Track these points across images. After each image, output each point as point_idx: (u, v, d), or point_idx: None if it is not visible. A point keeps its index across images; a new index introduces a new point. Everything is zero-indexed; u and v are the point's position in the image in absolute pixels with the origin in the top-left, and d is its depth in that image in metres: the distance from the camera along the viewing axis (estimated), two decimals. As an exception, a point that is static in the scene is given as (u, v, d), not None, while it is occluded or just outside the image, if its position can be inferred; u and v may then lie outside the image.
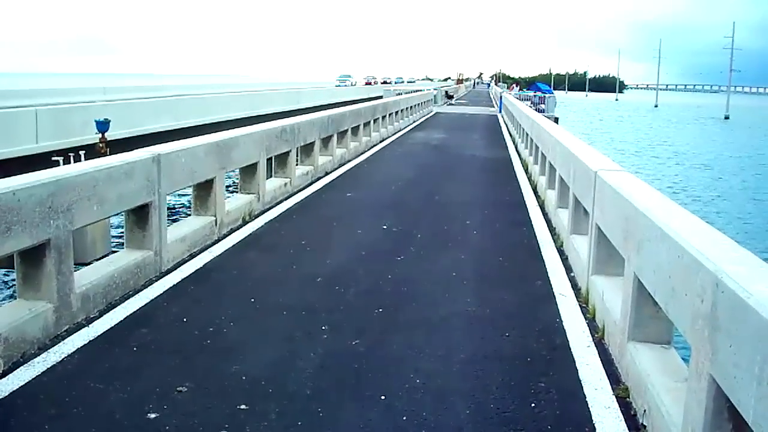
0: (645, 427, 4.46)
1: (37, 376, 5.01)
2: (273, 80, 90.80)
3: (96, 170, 6.44)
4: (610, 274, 6.54)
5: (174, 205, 22.08)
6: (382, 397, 4.80)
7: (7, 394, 4.71)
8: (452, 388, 5.01)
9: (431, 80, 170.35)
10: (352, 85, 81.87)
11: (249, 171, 10.85)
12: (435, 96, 54.17)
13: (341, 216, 11.25)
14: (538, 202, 12.68)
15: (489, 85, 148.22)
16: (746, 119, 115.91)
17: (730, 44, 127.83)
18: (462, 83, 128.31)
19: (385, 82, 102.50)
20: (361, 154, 19.72)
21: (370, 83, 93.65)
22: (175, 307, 6.52)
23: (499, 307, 6.85)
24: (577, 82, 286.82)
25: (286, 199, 12.17)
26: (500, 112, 43.67)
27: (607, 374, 5.28)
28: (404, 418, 4.53)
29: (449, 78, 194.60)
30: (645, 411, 4.52)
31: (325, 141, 16.12)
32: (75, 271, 6.09)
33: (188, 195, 11.49)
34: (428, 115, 41.25)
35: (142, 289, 6.94)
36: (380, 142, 23.54)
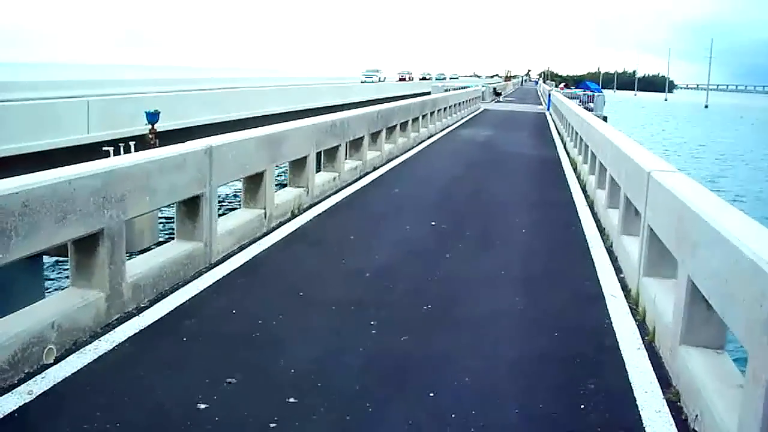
0: (697, 432, 4.39)
1: (88, 363, 5.07)
2: (302, 75, 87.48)
3: (149, 161, 6.51)
4: (661, 276, 6.44)
5: (223, 197, 22.29)
6: (431, 395, 4.78)
7: (59, 381, 4.78)
8: (500, 387, 4.97)
9: (479, 77, 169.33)
10: (380, 80, 74.82)
11: (298, 165, 10.89)
12: (483, 93, 54.01)
13: (389, 211, 11.25)
14: (587, 201, 12.52)
15: (537, 82, 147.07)
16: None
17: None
18: (510, 81, 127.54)
19: (423, 78, 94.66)
20: (409, 149, 19.69)
21: (404, 79, 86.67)
22: (223, 299, 6.58)
23: (547, 307, 6.78)
24: (626, 81, 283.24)
25: (334, 193, 12.20)
26: (548, 110, 43.30)
27: (657, 377, 5.18)
28: (452, 415, 4.50)
29: (496, 75, 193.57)
30: (697, 416, 4.43)
31: (374, 136, 16.12)
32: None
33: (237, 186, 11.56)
34: (476, 112, 41.08)
35: (191, 281, 7.00)
36: (428, 138, 23.50)
